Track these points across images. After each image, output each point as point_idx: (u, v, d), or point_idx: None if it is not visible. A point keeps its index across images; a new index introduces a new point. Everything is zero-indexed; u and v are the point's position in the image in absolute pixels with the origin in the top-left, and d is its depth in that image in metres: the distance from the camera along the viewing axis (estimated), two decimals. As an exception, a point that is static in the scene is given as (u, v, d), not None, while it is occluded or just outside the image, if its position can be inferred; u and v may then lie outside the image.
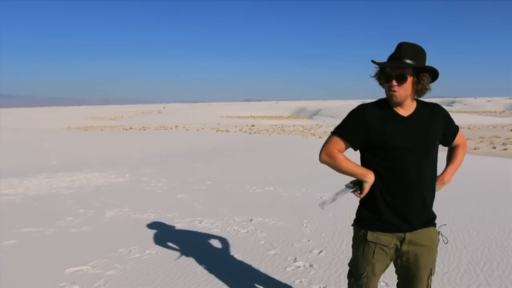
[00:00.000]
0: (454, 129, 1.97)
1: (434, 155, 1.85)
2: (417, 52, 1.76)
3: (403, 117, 1.80)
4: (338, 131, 1.87)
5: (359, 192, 1.86)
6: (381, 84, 1.84)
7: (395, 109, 1.81)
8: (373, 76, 1.84)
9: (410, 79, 1.75)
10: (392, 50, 1.80)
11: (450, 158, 2.05)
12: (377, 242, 1.86)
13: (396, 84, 1.74)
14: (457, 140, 2.01)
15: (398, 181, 1.80)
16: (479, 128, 47.22)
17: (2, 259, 3.68)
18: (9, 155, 14.37)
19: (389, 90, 1.76)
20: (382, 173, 1.81)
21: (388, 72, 1.75)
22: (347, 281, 2.06)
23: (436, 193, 1.93)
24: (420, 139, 1.79)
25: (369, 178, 1.81)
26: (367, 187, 1.83)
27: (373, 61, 1.79)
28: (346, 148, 1.88)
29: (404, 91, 1.75)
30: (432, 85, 1.82)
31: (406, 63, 1.72)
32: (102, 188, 7.31)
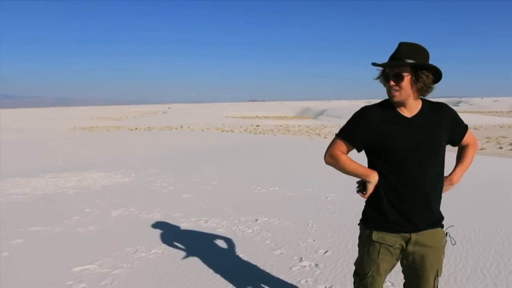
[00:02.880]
0: (462, 128, 1.94)
1: (440, 156, 1.83)
2: (416, 51, 1.75)
3: (406, 118, 1.79)
4: (341, 134, 1.88)
5: (363, 192, 1.86)
6: (384, 85, 1.85)
7: (398, 110, 1.80)
8: (376, 78, 1.84)
9: (407, 78, 1.73)
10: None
11: (459, 158, 2.02)
12: (382, 242, 1.86)
13: (393, 83, 1.74)
14: (466, 139, 1.97)
15: (402, 182, 1.79)
16: (485, 128, 46.89)
17: (10, 257, 3.71)
18: (15, 155, 14.49)
19: (389, 90, 1.77)
20: (386, 174, 1.81)
21: (386, 72, 1.76)
22: (353, 280, 2.06)
23: (443, 193, 1.92)
24: (424, 140, 1.78)
25: (373, 178, 1.82)
26: (370, 187, 1.83)
27: (373, 64, 1.80)
28: (350, 150, 1.89)
29: (403, 90, 1.74)
30: (438, 84, 1.80)
31: (400, 62, 1.72)
32: (108, 188, 7.36)
